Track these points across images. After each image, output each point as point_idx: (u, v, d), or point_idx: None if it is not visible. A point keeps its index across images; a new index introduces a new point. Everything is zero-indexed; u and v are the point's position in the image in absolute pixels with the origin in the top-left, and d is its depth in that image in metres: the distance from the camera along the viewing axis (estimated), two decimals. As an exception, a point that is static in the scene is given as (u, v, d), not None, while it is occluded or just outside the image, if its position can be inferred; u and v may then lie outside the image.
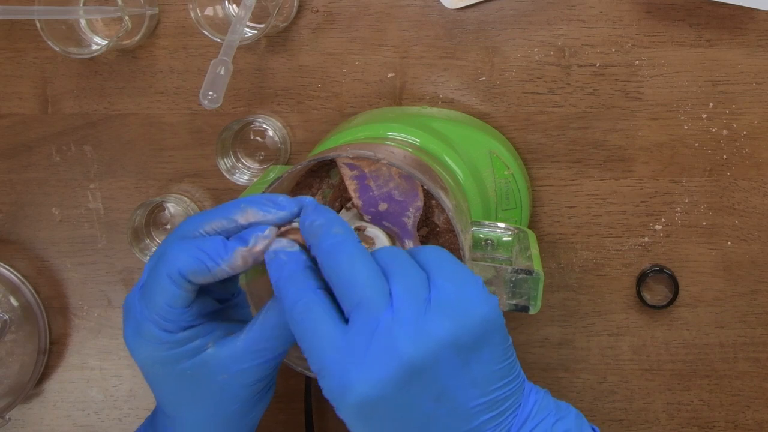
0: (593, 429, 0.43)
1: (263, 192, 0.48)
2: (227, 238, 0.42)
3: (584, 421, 0.43)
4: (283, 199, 0.43)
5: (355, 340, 0.37)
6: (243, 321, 0.47)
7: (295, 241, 0.42)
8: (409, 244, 0.50)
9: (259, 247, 0.41)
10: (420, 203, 0.49)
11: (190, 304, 0.43)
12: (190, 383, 0.44)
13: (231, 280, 0.46)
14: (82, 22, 0.65)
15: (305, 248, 0.42)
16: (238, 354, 0.43)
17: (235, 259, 0.41)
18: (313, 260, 0.41)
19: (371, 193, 0.50)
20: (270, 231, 0.41)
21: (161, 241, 0.44)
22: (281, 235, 0.42)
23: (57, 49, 0.61)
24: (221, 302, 0.47)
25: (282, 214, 0.42)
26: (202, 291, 0.44)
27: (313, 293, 0.39)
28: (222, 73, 0.57)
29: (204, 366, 0.43)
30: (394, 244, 0.50)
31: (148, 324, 0.42)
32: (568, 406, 0.43)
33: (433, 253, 0.41)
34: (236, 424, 0.46)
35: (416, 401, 0.38)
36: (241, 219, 0.43)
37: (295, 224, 0.43)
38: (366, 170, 0.49)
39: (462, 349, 0.38)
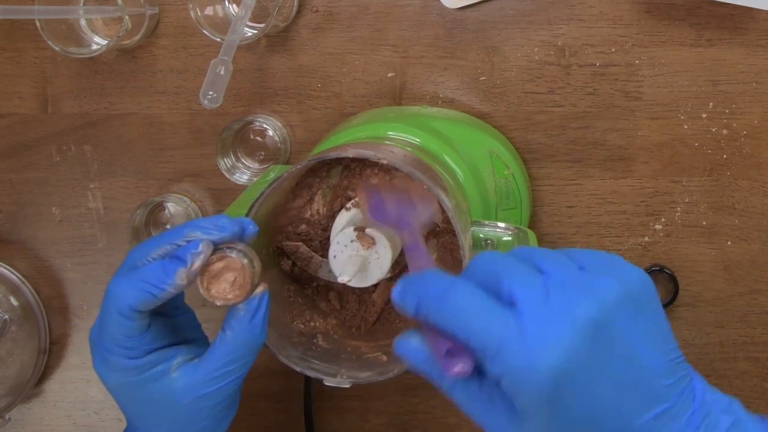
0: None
1: (264, 191, 0.48)
2: (163, 258, 0.45)
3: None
4: (224, 220, 0.45)
5: (526, 312, 0.35)
6: (200, 341, 0.51)
7: (231, 256, 0.44)
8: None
9: (197, 264, 0.44)
10: (432, 217, 0.48)
11: (146, 330, 0.46)
12: (158, 406, 0.47)
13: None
14: (82, 22, 0.65)
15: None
16: (199, 381, 0.46)
17: (177, 280, 0.44)
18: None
19: (385, 213, 0.48)
20: (203, 246, 0.44)
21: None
22: (219, 249, 0.45)
23: (57, 49, 0.61)
24: (171, 317, 0.50)
25: (223, 235, 0.45)
26: (153, 312, 0.47)
27: (461, 280, 0.37)
28: (222, 72, 0.57)
29: (169, 390, 0.47)
30: (394, 244, 0.50)
31: (112, 355, 0.46)
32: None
33: (562, 250, 0.40)
34: None
35: (607, 365, 0.35)
36: (184, 243, 0.45)
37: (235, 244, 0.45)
38: (384, 197, 0.48)
39: (633, 306, 0.36)
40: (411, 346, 0.39)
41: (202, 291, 0.45)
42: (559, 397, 0.35)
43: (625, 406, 0.35)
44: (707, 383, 0.39)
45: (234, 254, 0.45)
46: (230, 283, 0.45)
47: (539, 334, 0.34)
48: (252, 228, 0.46)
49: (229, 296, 0.45)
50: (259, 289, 0.46)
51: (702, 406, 0.37)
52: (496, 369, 0.35)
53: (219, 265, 0.45)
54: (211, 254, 0.44)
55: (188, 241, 0.44)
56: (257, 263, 0.45)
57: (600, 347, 0.35)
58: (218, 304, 0.45)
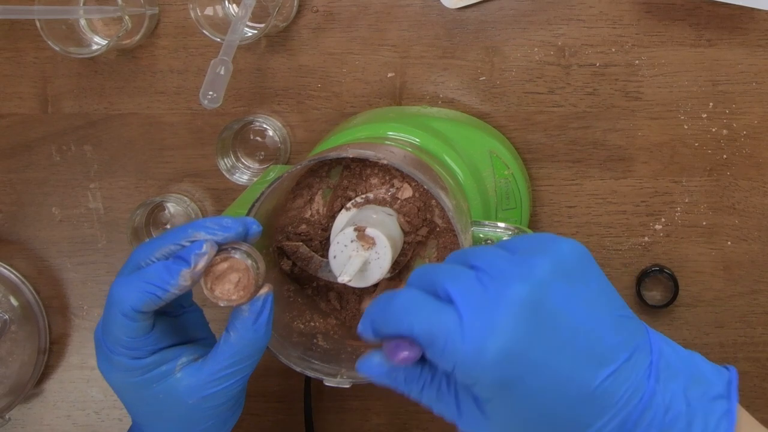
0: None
1: (264, 191, 0.48)
2: (167, 258, 0.45)
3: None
4: (228, 220, 0.45)
5: (461, 303, 0.36)
6: (206, 340, 0.50)
7: (235, 257, 0.44)
8: None
9: (201, 265, 0.43)
10: None
11: (150, 330, 0.46)
12: (162, 406, 0.47)
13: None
14: (82, 22, 0.65)
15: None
16: (203, 381, 0.46)
17: (181, 281, 0.44)
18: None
19: None
20: (207, 246, 0.44)
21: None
22: (223, 250, 0.44)
23: (57, 49, 0.61)
24: (176, 316, 0.50)
25: (227, 235, 0.44)
26: (157, 312, 0.46)
27: (404, 288, 0.39)
28: (222, 72, 0.57)
29: (173, 390, 0.46)
30: (394, 244, 0.50)
31: (116, 355, 0.46)
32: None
33: (498, 242, 0.42)
34: None
35: (552, 337, 0.36)
36: (188, 243, 0.45)
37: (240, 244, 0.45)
38: None
39: (568, 277, 0.37)
40: (373, 363, 0.40)
41: (206, 292, 0.44)
42: (513, 376, 0.35)
43: (578, 372, 0.36)
44: (668, 339, 0.40)
45: (238, 255, 0.44)
46: (234, 284, 0.45)
47: (478, 321, 0.35)
48: (256, 228, 0.46)
49: (233, 297, 0.45)
50: (264, 290, 0.46)
51: (660, 357, 0.38)
52: (447, 364, 0.36)
53: (223, 265, 0.44)
54: (215, 255, 0.44)
55: (192, 242, 0.44)
56: (261, 264, 0.45)
57: (541, 321, 0.36)
58: (222, 304, 0.45)
